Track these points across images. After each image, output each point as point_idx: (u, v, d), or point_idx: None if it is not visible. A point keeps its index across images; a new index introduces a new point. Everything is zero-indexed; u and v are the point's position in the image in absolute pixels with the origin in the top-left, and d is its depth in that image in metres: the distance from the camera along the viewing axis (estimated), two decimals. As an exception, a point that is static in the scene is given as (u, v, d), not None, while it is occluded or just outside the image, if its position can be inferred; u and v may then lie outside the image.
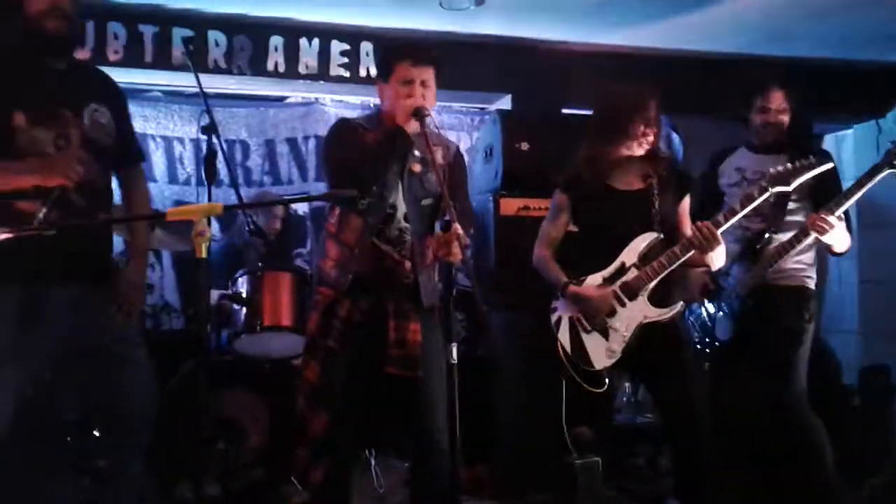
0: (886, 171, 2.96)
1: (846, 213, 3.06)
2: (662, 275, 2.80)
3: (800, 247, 3.12)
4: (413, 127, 2.51)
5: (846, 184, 3.19)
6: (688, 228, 2.92)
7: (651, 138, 2.85)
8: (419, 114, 2.49)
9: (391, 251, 2.61)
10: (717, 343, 3.29)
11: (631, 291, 2.82)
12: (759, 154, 3.32)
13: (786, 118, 3.28)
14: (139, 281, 2.62)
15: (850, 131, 5.60)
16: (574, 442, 2.60)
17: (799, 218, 3.19)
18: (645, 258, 2.83)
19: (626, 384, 4.41)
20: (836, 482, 3.17)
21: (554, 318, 2.97)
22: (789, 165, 2.83)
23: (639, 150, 2.86)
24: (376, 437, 3.58)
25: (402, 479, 3.55)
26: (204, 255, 1.90)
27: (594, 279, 2.88)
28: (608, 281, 2.86)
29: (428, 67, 2.60)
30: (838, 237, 3.06)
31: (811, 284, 3.29)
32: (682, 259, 2.79)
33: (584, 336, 2.88)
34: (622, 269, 2.85)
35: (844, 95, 5.09)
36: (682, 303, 2.86)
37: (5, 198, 2.29)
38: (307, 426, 2.58)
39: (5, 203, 2.30)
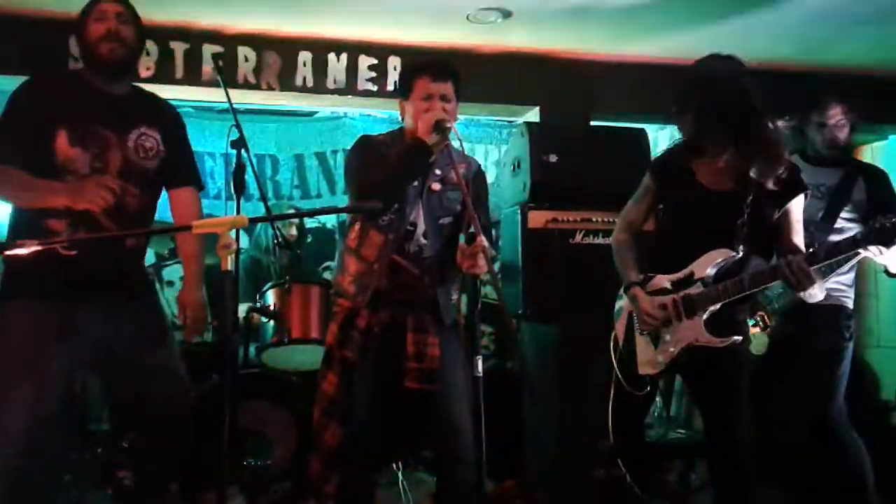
0: None
1: None
2: (727, 301, 2.52)
3: (845, 267, 3.01)
4: (434, 140, 2.51)
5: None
6: (797, 237, 2.57)
7: (756, 135, 2.48)
8: (440, 126, 2.49)
9: (410, 267, 2.61)
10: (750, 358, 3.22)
11: (691, 307, 2.56)
12: (813, 166, 3.22)
13: (843, 134, 3.20)
14: (191, 299, 2.70)
15: (887, 141, 5.50)
16: (602, 458, 2.55)
17: (847, 236, 3.10)
18: (717, 275, 2.55)
19: (658, 399, 4.36)
20: (875, 500, 3.08)
21: (616, 305, 2.84)
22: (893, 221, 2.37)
23: (740, 150, 2.51)
24: (401, 450, 3.56)
25: (430, 493, 3.53)
26: (230, 267, 1.92)
27: (661, 280, 2.64)
28: (674, 287, 2.61)
29: (447, 82, 2.61)
30: (892, 258, 2.91)
31: (849, 304, 3.21)
32: (751, 292, 2.49)
33: (637, 335, 2.72)
34: (690, 280, 2.57)
35: (880, 105, 4.99)
36: (740, 336, 2.57)
37: (38, 213, 2.36)
38: (321, 438, 2.59)
39: (37, 219, 2.37)
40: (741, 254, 2.54)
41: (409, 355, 2.57)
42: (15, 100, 2.44)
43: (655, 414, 4.54)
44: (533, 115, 5.00)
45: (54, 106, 2.42)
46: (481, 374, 2.23)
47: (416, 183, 2.61)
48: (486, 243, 2.30)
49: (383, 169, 2.56)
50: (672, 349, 2.61)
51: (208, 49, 4.35)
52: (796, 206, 2.56)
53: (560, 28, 4.44)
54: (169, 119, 2.73)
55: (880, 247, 2.38)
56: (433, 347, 2.57)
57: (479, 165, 2.87)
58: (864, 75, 4.95)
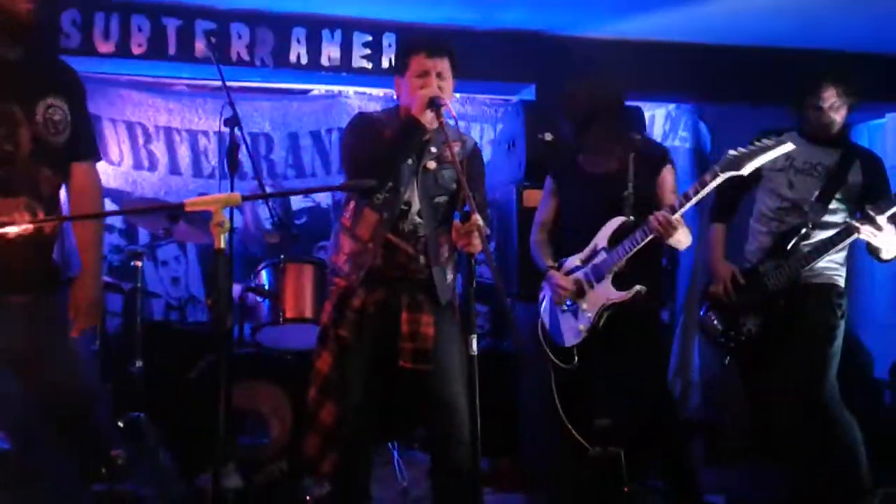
0: None
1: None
2: (625, 258, 2.91)
3: (839, 247, 3.05)
4: (429, 118, 2.50)
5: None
6: (667, 200, 3.00)
7: (625, 123, 3.12)
8: (435, 103, 2.48)
9: (405, 246, 2.60)
10: (742, 337, 3.23)
11: (599, 274, 2.96)
12: (810, 144, 3.22)
13: (839, 116, 3.18)
14: (84, 291, 2.41)
15: (884, 120, 5.47)
16: (595, 435, 2.61)
17: (838, 218, 3.12)
18: (613, 241, 2.95)
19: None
20: (869, 479, 3.10)
21: (540, 295, 3.19)
22: (742, 149, 2.81)
23: (608, 136, 3.03)
24: (397, 429, 3.57)
25: (426, 472, 3.54)
26: (223, 245, 1.90)
27: (572, 261, 3.07)
28: (584, 262, 3.03)
29: (443, 59, 2.61)
30: (886, 241, 2.97)
31: (841, 283, 3.22)
32: (643, 243, 2.87)
33: (559, 315, 3.08)
34: (595, 252, 3.01)
35: (877, 84, 4.97)
36: (639, 286, 2.92)
37: None
38: (317, 416, 2.59)
39: None
40: (632, 219, 2.96)
41: (403, 335, 2.57)
42: None
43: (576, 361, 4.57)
44: (528, 93, 4.97)
45: None
46: (476, 353, 2.23)
47: (410, 161, 2.60)
48: (480, 221, 2.30)
49: (378, 147, 2.55)
50: (589, 314, 2.98)
51: (201, 25, 4.31)
52: (667, 175, 3.10)
53: (556, 6, 4.40)
54: (74, 84, 2.41)
55: (731, 172, 2.79)
56: (427, 327, 2.58)
57: (476, 143, 2.85)
58: (860, 54, 4.93)
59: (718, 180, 2.80)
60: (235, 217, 3.87)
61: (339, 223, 2.75)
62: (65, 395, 2.34)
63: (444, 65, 2.60)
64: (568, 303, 3.05)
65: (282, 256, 3.72)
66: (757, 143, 2.80)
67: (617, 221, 2.97)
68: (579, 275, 3.04)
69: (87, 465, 2.34)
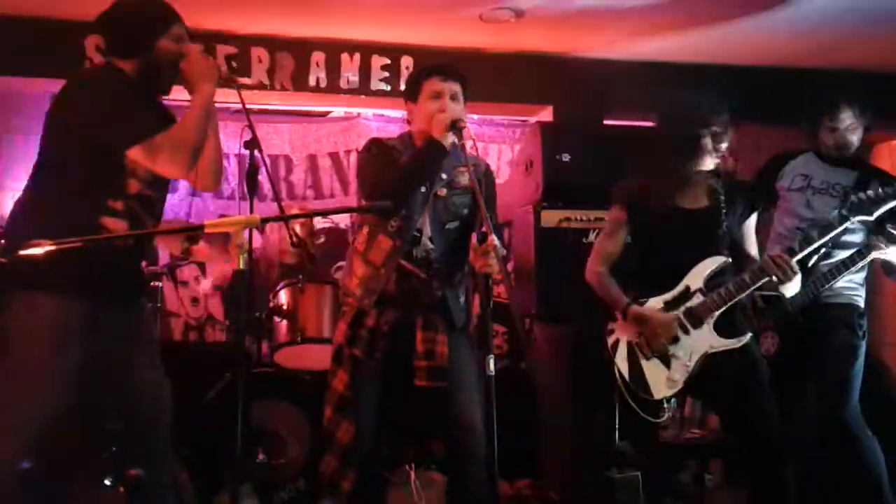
0: None
1: None
2: (731, 303, 2.68)
3: (857, 266, 3.02)
4: (449, 140, 2.51)
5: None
6: (753, 248, 2.84)
7: (722, 153, 2.75)
8: (456, 125, 2.49)
9: (418, 272, 2.62)
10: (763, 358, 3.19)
11: (696, 318, 2.69)
12: (828, 165, 3.21)
13: (855, 137, 3.17)
14: None
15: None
16: (615, 457, 2.55)
17: (857, 238, 3.10)
18: (711, 283, 2.70)
19: (672, 400, 4.33)
20: (891, 499, 3.05)
21: (611, 340, 2.85)
22: (872, 193, 2.74)
23: (708, 166, 2.75)
24: (413, 450, 3.57)
25: (442, 492, 3.53)
26: (242, 266, 1.92)
27: (656, 302, 2.75)
28: (670, 305, 2.73)
29: (455, 82, 2.63)
30: None
31: (861, 303, 3.19)
32: (753, 288, 2.67)
33: (643, 362, 2.75)
34: (686, 294, 2.72)
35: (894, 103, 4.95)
36: (750, 333, 2.72)
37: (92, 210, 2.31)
38: (334, 435, 2.59)
39: (91, 215, 2.30)
40: (731, 260, 2.73)
41: (418, 353, 2.57)
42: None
43: (669, 414, 4.53)
44: (546, 114, 5.00)
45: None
46: (493, 373, 2.23)
47: (423, 189, 2.61)
48: (497, 242, 2.30)
49: (397, 170, 2.56)
50: (688, 363, 2.68)
51: (222, 50, 4.38)
52: (753, 219, 2.88)
53: (572, 28, 4.43)
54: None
55: (862, 216, 2.69)
56: (442, 346, 2.58)
57: (488, 165, 2.86)
58: (878, 73, 4.91)
59: (846, 224, 2.72)
60: (255, 238, 3.93)
61: (352, 247, 2.77)
62: (149, 399, 2.41)
63: (456, 87, 2.62)
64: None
65: (301, 277, 3.74)
66: (886, 190, 2.75)
67: (716, 262, 2.71)
68: (668, 318, 2.71)
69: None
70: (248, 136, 3.25)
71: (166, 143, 2.27)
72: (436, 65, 2.71)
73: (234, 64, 3.93)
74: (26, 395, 2.23)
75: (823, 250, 3.06)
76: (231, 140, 4.82)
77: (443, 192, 2.66)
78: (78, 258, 2.08)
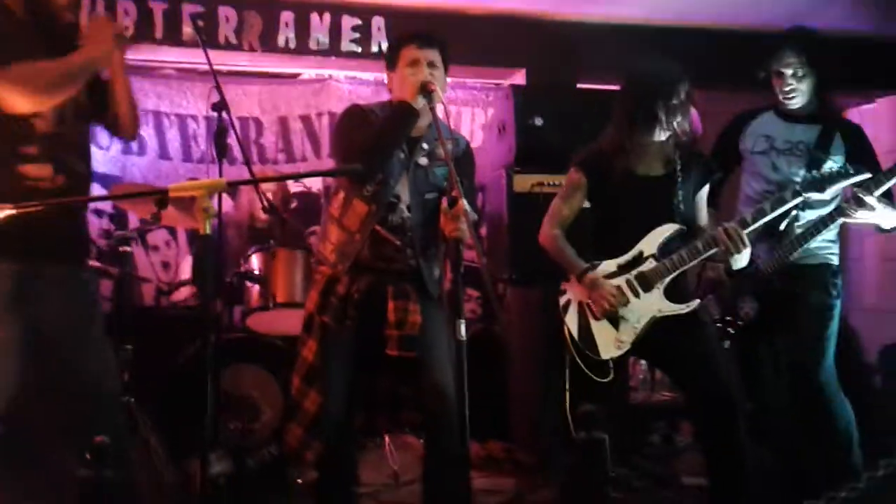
0: None
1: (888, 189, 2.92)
2: (682, 269, 2.74)
3: (832, 227, 3.03)
4: (420, 104, 2.49)
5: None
6: (704, 218, 2.87)
7: (681, 122, 2.74)
8: (425, 89, 2.47)
9: (392, 238, 2.59)
10: (739, 322, 3.22)
11: (647, 283, 2.75)
12: (788, 122, 3.18)
13: (803, 85, 3.11)
14: None
15: (872, 105, 5.48)
16: (579, 420, 2.57)
17: (827, 196, 3.09)
18: (664, 249, 2.76)
19: (643, 362, 4.38)
20: (860, 461, 3.12)
21: (563, 300, 2.89)
22: (826, 172, 2.78)
23: (665, 135, 2.77)
24: (386, 419, 3.58)
25: (418, 457, 3.56)
26: (208, 230, 1.89)
27: (608, 265, 2.79)
28: (623, 269, 2.78)
29: (434, 49, 2.60)
30: (882, 216, 2.95)
31: (835, 261, 3.20)
32: (705, 256, 2.72)
33: (592, 323, 2.80)
34: (639, 259, 2.77)
35: (867, 68, 4.97)
36: (698, 300, 2.78)
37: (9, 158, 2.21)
38: (301, 405, 2.58)
39: (7, 167, 2.21)
40: (684, 228, 2.77)
41: (389, 322, 2.56)
42: None
43: (640, 377, 4.58)
44: (519, 77, 4.97)
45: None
46: (464, 338, 2.23)
47: (402, 155, 2.59)
48: (468, 207, 2.29)
49: (370, 133, 2.54)
50: (636, 325, 2.75)
51: (187, 9, 4.28)
52: (705, 190, 2.90)
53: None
54: None
55: (814, 193, 2.74)
56: (414, 315, 2.56)
57: (468, 143, 2.84)
58: (849, 38, 4.92)
59: (798, 200, 2.76)
60: (226, 202, 3.88)
61: (327, 212, 2.74)
62: (86, 381, 2.33)
63: (434, 55, 2.59)
64: None
65: (272, 242, 3.70)
66: (839, 170, 2.79)
67: (669, 229, 2.76)
68: (620, 282, 2.77)
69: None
70: (216, 98, 3.19)
71: (23, 71, 2.16)
72: (414, 32, 2.67)
73: (200, 23, 3.83)
74: None
75: (794, 212, 3.08)
76: (199, 101, 4.76)
77: (423, 161, 2.64)
78: (12, 220, 1.98)
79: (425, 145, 2.65)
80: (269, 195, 3.73)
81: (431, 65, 2.57)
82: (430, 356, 2.57)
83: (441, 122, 2.49)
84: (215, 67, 3.15)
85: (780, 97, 3.17)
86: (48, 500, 2.29)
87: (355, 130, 2.59)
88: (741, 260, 2.73)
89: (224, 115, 3.15)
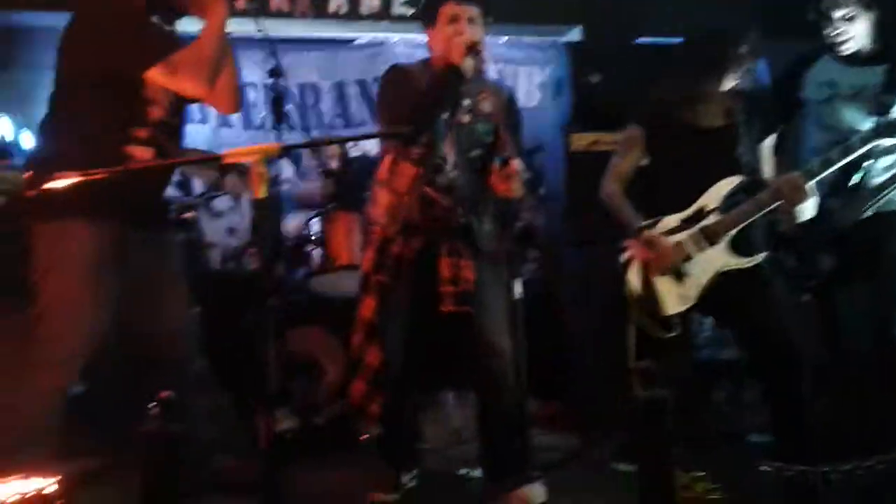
0: None
1: None
2: (747, 222, 2.69)
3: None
4: (468, 64, 2.48)
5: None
6: (770, 170, 2.80)
7: (745, 72, 2.71)
8: (474, 49, 2.46)
9: (441, 199, 2.61)
10: (816, 275, 3.10)
11: (711, 236, 2.71)
12: (850, 66, 3.01)
13: (857, 26, 2.94)
14: None
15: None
16: (641, 377, 2.56)
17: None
18: (729, 202, 2.71)
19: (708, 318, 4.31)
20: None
21: (625, 257, 2.87)
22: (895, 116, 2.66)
23: (728, 85, 2.72)
24: (446, 374, 3.63)
25: (475, 415, 3.61)
26: (262, 195, 1.93)
27: (671, 220, 2.77)
28: (686, 223, 2.75)
29: (474, 5, 2.57)
30: None
31: None
32: (770, 208, 2.67)
33: (656, 279, 2.77)
34: (702, 213, 2.74)
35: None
36: (765, 252, 2.73)
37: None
38: (363, 360, 2.64)
39: (116, 146, 2.34)
40: (748, 179, 2.72)
41: (444, 279, 2.58)
42: None
43: (706, 334, 4.51)
44: (575, 34, 4.87)
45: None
46: (520, 296, 2.25)
47: (445, 115, 2.59)
48: (519, 167, 2.29)
49: (415, 98, 2.55)
50: (700, 280, 2.71)
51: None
52: (771, 140, 2.85)
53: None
54: None
55: (887, 139, 2.64)
56: (468, 271, 2.58)
57: (511, 91, 2.83)
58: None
59: (869, 145, 2.69)
60: (285, 167, 3.95)
61: (376, 176, 2.77)
62: (161, 341, 2.47)
63: (474, 11, 2.58)
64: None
65: (332, 205, 3.77)
66: None
67: (733, 181, 2.72)
68: (683, 237, 2.75)
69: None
70: (272, 65, 3.23)
71: (185, 59, 2.30)
72: None
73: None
74: (68, 325, 2.30)
75: (866, 162, 2.95)
76: (257, 69, 4.82)
77: (466, 118, 2.64)
78: (104, 186, 2.10)
79: (466, 102, 2.63)
80: (329, 159, 3.79)
81: (472, 20, 2.56)
82: (485, 313, 2.59)
83: (483, 77, 2.47)
84: (270, 35, 3.19)
85: (832, 42, 3.03)
86: (120, 456, 2.42)
87: (398, 93, 2.61)
88: (806, 212, 2.69)
89: (281, 82, 3.20)
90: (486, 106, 2.63)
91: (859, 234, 3.00)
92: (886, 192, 2.94)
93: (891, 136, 2.69)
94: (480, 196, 2.65)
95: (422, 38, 4.82)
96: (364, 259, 2.75)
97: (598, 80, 4.04)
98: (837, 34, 2.98)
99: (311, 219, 3.82)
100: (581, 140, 3.94)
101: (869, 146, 2.70)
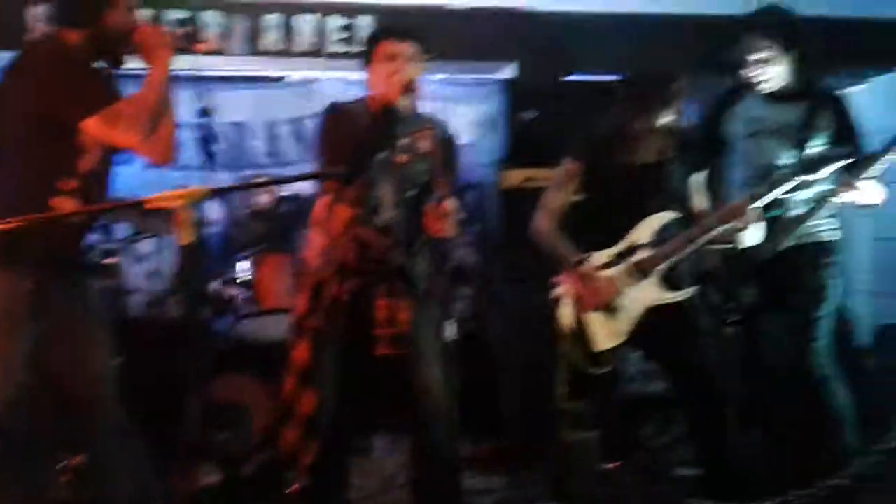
0: None
1: None
2: (678, 256, 2.72)
3: (827, 206, 2.98)
4: (404, 103, 2.47)
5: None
6: (700, 204, 2.85)
7: (678, 110, 2.76)
8: (409, 88, 2.45)
9: (378, 240, 2.57)
10: (739, 307, 3.16)
11: (642, 271, 2.73)
12: (774, 103, 3.10)
13: (776, 68, 3.03)
14: None
15: (865, 85, 5.45)
16: (570, 419, 2.57)
17: (818, 177, 3.00)
18: (660, 237, 2.74)
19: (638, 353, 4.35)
20: (854, 446, 3.09)
21: (556, 293, 2.87)
22: (815, 152, 2.79)
23: (662, 122, 2.77)
24: (377, 419, 3.56)
25: (407, 458, 3.53)
26: (187, 240, 1.86)
27: (603, 256, 2.78)
28: (618, 258, 2.76)
29: (411, 42, 2.57)
30: (871, 195, 2.93)
31: (833, 239, 3.13)
32: (702, 241, 2.70)
33: (587, 315, 2.78)
34: (633, 248, 2.76)
35: (860, 49, 4.93)
36: (694, 287, 2.77)
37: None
38: (294, 408, 2.57)
39: (41, 198, 2.24)
40: (680, 215, 2.76)
41: (379, 321, 2.54)
42: None
43: (635, 368, 4.54)
44: (510, 71, 4.93)
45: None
46: (453, 338, 2.22)
47: (382, 155, 2.57)
48: (453, 206, 2.28)
49: (351, 137, 2.52)
50: (633, 314, 2.73)
51: (172, 14, 4.24)
52: (702, 174, 2.89)
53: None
54: None
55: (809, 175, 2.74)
56: (403, 313, 2.55)
57: (448, 128, 2.82)
58: (840, 20, 4.89)
59: (790, 182, 2.76)
60: (216, 207, 3.87)
61: (311, 217, 2.72)
62: (82, 392, 2.37)
63: (412, 48, 2.57)
64: None
65: (260, 246, 3.69)
66: (836, 150, 2.81)
67: (663, 216, 2.75)
68: (615, 272, 2.75)
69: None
70: (202, 104, 3.18)
71: (126, 111, 2.22)
72: (390, 25, 2.66)
73: (185, 28, 3.80)
74: None
75: (786, 196, 3.03)
76: (187, 107, 4.74)
77: (403, 157, 2.62)
78: (23, 235, 2.04)
79: (403, 141, 2.61)
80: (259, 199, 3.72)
81: (409, 58, 2.55)
82: (420, 355, 2.56)
83: (420, 114, 2.47)
84: (201, 73, 3.14)
85: (753, 82, 3.12)
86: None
87: (337, 131, 2.58)
88: (752, 236, 2.73)
89: (211, 120, 3.15)
90: (424, 144, 2.62)
91: (779, 266, 3.07)
92: (804, 223, 3.02)
93: (810, 171, 2.77)
94: (416, 236, 2.62)
95: (355, 75, 4.91)
96: (297, 303, 2.68)
97: (531, 117, 4.09)
98: (756, 76, 3.08)
99: (238, 261, 3.73)
100: (514, 177, 3.96)
101: (791, 181, 2.77)
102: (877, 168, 2.86)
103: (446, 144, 2.70)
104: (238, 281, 3.68)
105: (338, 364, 2.58)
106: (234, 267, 3.74)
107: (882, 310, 5.00)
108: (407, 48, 2.56)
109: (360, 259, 2.57)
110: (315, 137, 2.74)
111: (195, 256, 1.95)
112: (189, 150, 4.73)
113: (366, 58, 2.65)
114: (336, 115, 2.66)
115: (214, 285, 3.66)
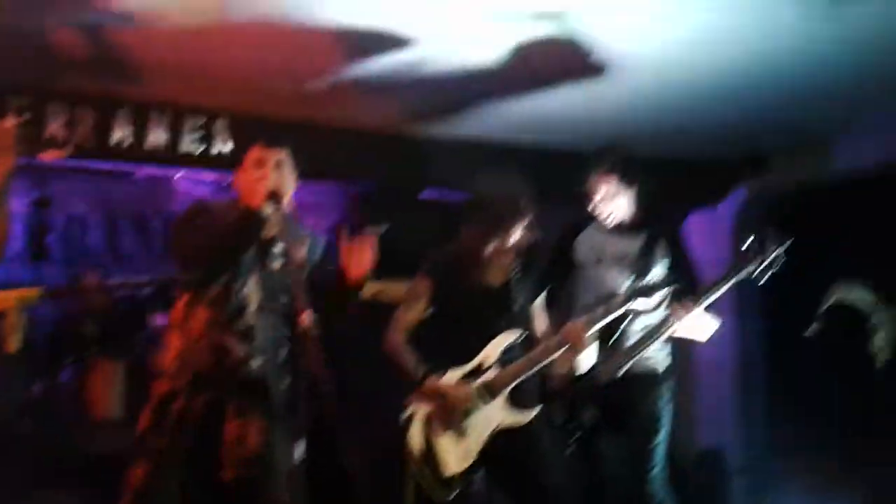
0: (751, 266, 3.01)
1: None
2: (523, 376, 2.78)
3: (661, 335, 3.14)
4: (269, 210, 2.43)
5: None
6: (542, 325, 2.97)
7: (523, 233, 2.86)
8: (275, 195, 2.42)
9: (238, 347, 2.46)
10: (581, 427, 3.25)
11: (490, 391, 2.77)
12: (612, 235, 3.31)
13: (616, 202, 3.24)
14: None
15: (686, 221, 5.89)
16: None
17: (653, 305, 3.17)
18: (505, 357, 2.80)
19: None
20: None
21: (406, 415, 2.83)
22: (650, 281, 2.96)
23: (507, 245, 2.86)
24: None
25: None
26: (14, 347, 1.70)
27: (452, 375, 2.80)
28: (466, 378, 2.79)
29: (281, 150, 2.56)
30: (702, 327, 3.12)
31: (667, 365, 3.30)
32: (544, 363, 2.79)
33: (437, 438, 2.76)
34: (482, 367, 2.80)
35: (677, 188, 5.33)
36: (539, 406, 2.83)
37: None
38: None
39: None
40: (526, 334, 2.87)
41: (228, 442, 2.41)
42: None
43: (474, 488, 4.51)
44: (367, 184, 4.99)
45: None
46: (303, 457, 2.12)
47: (251, 258, 2.49)
48: (310, 321, 2.23)
49: (213, 238, 2.44)
50: (483, 435, 2.74)
51: (13, 100, 4.00)
52: (542, 297, 3.04)
53: (393, 103, 4.47)
54: None
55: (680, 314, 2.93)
56: (256, 434, 2.42)
57: (322, 241, 2.80)
58: (658, 159, 5.23)
59: (624, 309, 2.92)
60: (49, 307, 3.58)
61: (168, 319, 2.58)
62: None
63: (281, 155, 2.57)
64: None
65: (89, 351, 3.44)
66: (663, 279, 2.99)
67: (509, 336, 2.84)
68: (463, 391, 2.78)
69: None
70: (38, 194, 3.00)
71: None
72: (261, 131, 2.65)
73: (25, 116, 3.59)
74: None
75: (624, 322, 3.19)
76: (20, 198, 4.43)
77: (276, 265, 2.55)
78: None
79: (279, 249, 2.55)
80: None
81: (278, 165, 2.53)
82: (270, 478, 2.42)
83: (295, 225, 2.43)
84: (41, 164, 2.97)
85: (597, 214, 3.32)
86: None
87: (196, 231, 2.49)
88: (586, 360, 2.86)
89: (46, 212, 2.97)
90: (299, 253, 2.56)
91: (616, 392, 3.19)
92: (638, 353, 3.16)
93: (644, 299, 2.92)
94: (281, 348, 2.53)
95: (207, 174, 4.80)
96: (141, 417, 2.48)
97: (384, 230, 4.12)
98: (597, 210, 3.29)
99: (65, 366, 3.44)
100: (366, 289, 3.93)
101: (626, 308, 2.92)
102: (708, 298, 3.09)
103: (324, 256, 2.69)
104: (64, 389, 3.38)
105: (178, 488, 2.39)
106: (61, 373, 3.44)
107: (700, 434, 5.24)
108: (275, 154, 2.55)
109: (217, 366, 2.44)
110: (174, 233, 2.63)
111: (21, 365, 1.77)
112: (20, 243, 4.45)
113: (236, 160, 2.62)
114: (198, 212, 2.58)
115: (37, 392, 3.34)
